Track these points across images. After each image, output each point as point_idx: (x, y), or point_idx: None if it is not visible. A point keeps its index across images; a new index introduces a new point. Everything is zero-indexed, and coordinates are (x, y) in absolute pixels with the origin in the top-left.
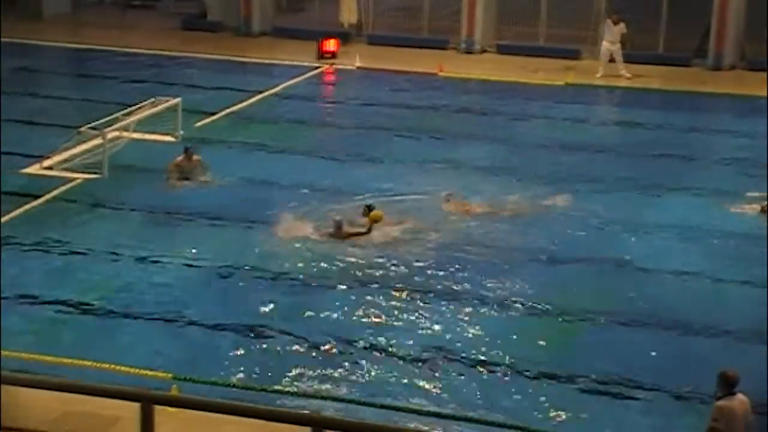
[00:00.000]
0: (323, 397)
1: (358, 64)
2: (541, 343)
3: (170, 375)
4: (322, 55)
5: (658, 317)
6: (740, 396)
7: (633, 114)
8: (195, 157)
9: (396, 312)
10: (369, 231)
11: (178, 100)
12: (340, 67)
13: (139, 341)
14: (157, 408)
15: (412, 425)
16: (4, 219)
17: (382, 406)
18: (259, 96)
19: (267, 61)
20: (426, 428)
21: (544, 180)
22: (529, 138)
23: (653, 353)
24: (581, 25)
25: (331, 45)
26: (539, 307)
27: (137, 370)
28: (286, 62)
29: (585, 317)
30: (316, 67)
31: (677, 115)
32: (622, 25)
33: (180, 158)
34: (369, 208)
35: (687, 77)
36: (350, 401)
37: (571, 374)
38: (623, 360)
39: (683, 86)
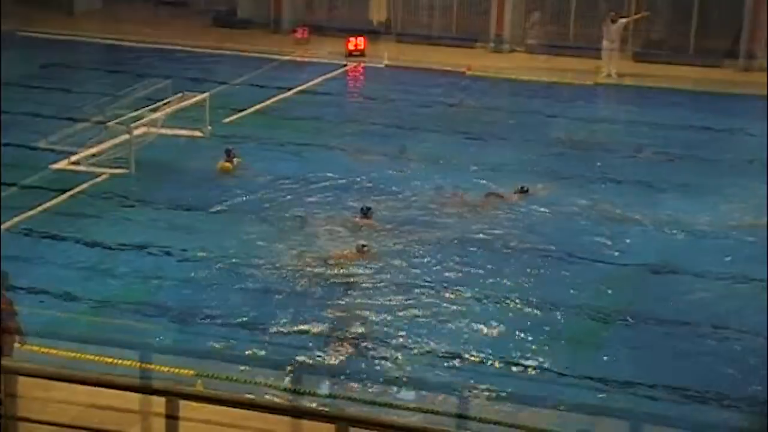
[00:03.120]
0: (347, 398)
1: (386, 61)
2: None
3: (194, 372)
4: (350, 52)
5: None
6: None
7: (661, 114)
8: (236, 159)
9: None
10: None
11: (205, 95)
12: (369, 64)
13: (163, 337)
14: (182, 403)
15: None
16: (31, 213)
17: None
18: (288, 93)
19: (296, 59)
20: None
21: (562, 178)
22: (553, 137)
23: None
24: None
25: (359, 43)
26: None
27: (162, 367)
28: (315, 60)
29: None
30: (345, 65)
31: (707, 117)
32: (620, 23)
33: (223, 161)
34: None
35: (718, 78)
36: (372, 403)
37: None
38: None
39: (714, 87)
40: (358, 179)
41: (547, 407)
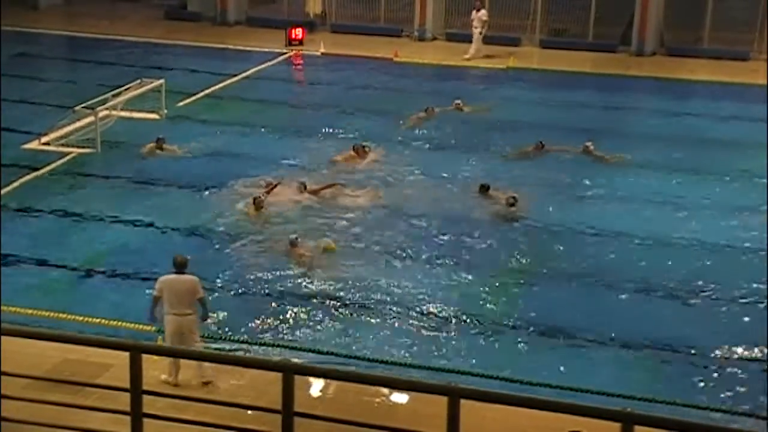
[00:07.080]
0: (290, 347)
1: (322, 50)
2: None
3: (155, 328)
4: (290, 42)
5: None
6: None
7: (564, 95)
8: (166, 146)
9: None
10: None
11: (161, 81)
12: (307, 52)
13: (127, 297)
14: (144, 356)
15: None
16: (7, 189)
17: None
18: (234, 79)
19: (241, 48)
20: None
21: (474, 157)
22: (472, 117)
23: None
24: (522, 15)
25: (298, 33)
26: None
27: (126, 324)
28: (258, 49)
29: None
30: (285, 53)
31: (605, 96)
32: (483, 12)
33: (151, 146)
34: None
35: (613, 62)
36: (312, 350)
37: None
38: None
39: (610, 70)
40: (298, 156)
41: None
